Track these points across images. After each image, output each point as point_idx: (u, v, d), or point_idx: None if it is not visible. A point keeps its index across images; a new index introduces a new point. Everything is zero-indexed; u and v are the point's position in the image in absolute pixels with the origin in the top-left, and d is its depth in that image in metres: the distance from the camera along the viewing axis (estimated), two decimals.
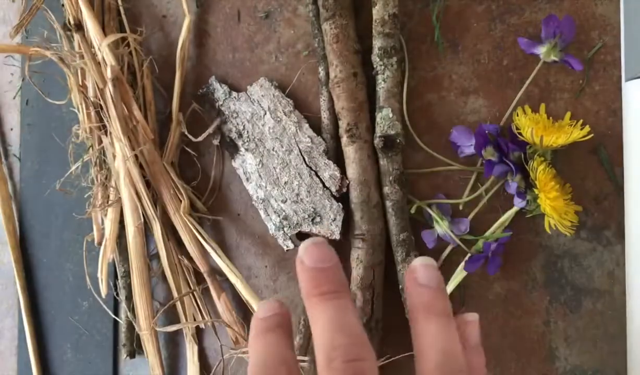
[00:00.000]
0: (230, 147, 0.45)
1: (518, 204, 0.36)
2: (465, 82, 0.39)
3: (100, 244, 0.48)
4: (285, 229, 0.42)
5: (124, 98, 0.45)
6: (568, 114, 0.36)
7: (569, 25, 0.36)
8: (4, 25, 0.54)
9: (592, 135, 0.34)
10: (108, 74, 0.43)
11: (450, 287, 0.38)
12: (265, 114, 0.43)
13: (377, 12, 0.39)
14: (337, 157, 0.41)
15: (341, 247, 0.40)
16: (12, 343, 0.55)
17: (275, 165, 0.43)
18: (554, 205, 0.34)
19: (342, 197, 0.41)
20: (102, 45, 0.44)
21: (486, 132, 0.37)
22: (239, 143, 0.45)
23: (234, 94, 0.45)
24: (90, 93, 0.46)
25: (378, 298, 0.38)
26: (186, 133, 0.46)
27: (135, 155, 0.44)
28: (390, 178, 0.39)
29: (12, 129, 0.55)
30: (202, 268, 0.44)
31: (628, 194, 0.34)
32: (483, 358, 0.31)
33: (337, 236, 0.40)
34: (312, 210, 0.41)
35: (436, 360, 0.27)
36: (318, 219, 0.41)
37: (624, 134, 0.35)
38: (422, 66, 0.41)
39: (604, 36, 0.36)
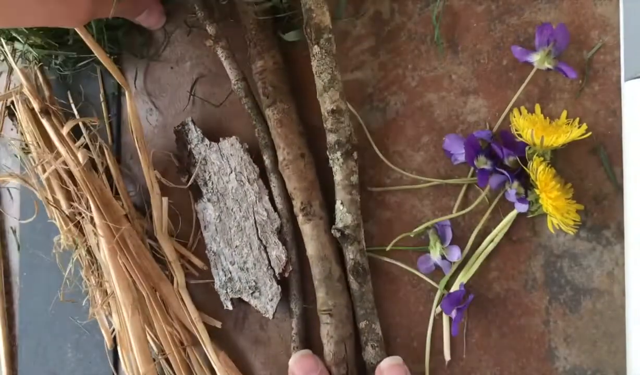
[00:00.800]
0: (195, 190, 0.46)
1: (520, 209, 0.36)
2: (465, 82, 0.39)
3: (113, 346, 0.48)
4: (228, 289, 0.43)
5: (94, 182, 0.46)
6: (564, 113, 0.36)
7: (563, 34, 0.36)
8: None
9: (590, 133, 0.34)
10: (80, 159, 0.45)
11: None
12: (231, 172, 0.44)
13: (321, 108, 0.39)
14: (293, 236, 0.42)
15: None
16: None
17: (232, 225, 0.44)
18: (555, 205, 0.34)
19: (301, 271, 0.42)
20: (64, 130, 0.47)
21: (477, 140, 0.37)
22: (203, 190, 0.45)
23: (206, 141, 0.45)
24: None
25: (353, 373, 0.39)
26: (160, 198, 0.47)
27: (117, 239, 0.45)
28: (348, 267, 0.39)
29: (12, 129, 0.55)
30: (195, 330, 0.45)
31: (627, 193, 0.34)
32: None
33: (270, 316, 0.42)
34: (254, 283, 0.42)
35: None
36: (257, 294, 0.42)
37: (623, 134, 0.35)
38: (422, 66, 0.41)
39: (603, 36, 0.36)
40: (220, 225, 0.44)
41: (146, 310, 0.45)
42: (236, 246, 0.43)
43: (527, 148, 0.36)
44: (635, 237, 0.34)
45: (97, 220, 0.44)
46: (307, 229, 0.40)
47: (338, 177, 0.39)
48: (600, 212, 0.36)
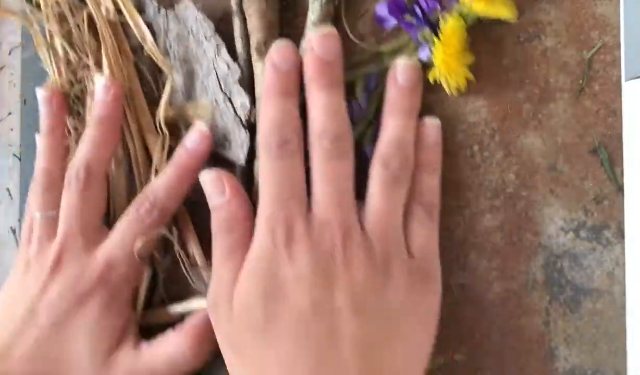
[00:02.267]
0: None
1: (422, 55, 0.36)
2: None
3: None
4: None
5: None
6: None
7: None
8: None
9: (517, 15, 0.35)
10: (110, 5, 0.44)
11: None
12: (189, 34, 0.44)
13: None
14: (250, 86, 0.43)
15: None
16: None
17: (197, 87, 0.44)
18: (446, 60, 0.34)
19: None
20: None
21: None
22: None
23: (162, 11, 0.45)
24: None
25: None
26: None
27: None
28: None
29: (12, 130, 0.56)
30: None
31: (628, 194, 0.34)
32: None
33: (242, 162, 0.42)
34: (223, 135, 0.43)
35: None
36: (227, 145, 0.43)
37: (624, 134, 0.35)
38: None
39: (603, 36, 0.36)
40: (186, 91, 0.45)
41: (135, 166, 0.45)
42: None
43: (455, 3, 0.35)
44: (636, 238, 0.34)
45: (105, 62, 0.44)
46: (258, 68, 0.40)
47: (314, 17, 0.39)
48: (600, 212, 0.36)
